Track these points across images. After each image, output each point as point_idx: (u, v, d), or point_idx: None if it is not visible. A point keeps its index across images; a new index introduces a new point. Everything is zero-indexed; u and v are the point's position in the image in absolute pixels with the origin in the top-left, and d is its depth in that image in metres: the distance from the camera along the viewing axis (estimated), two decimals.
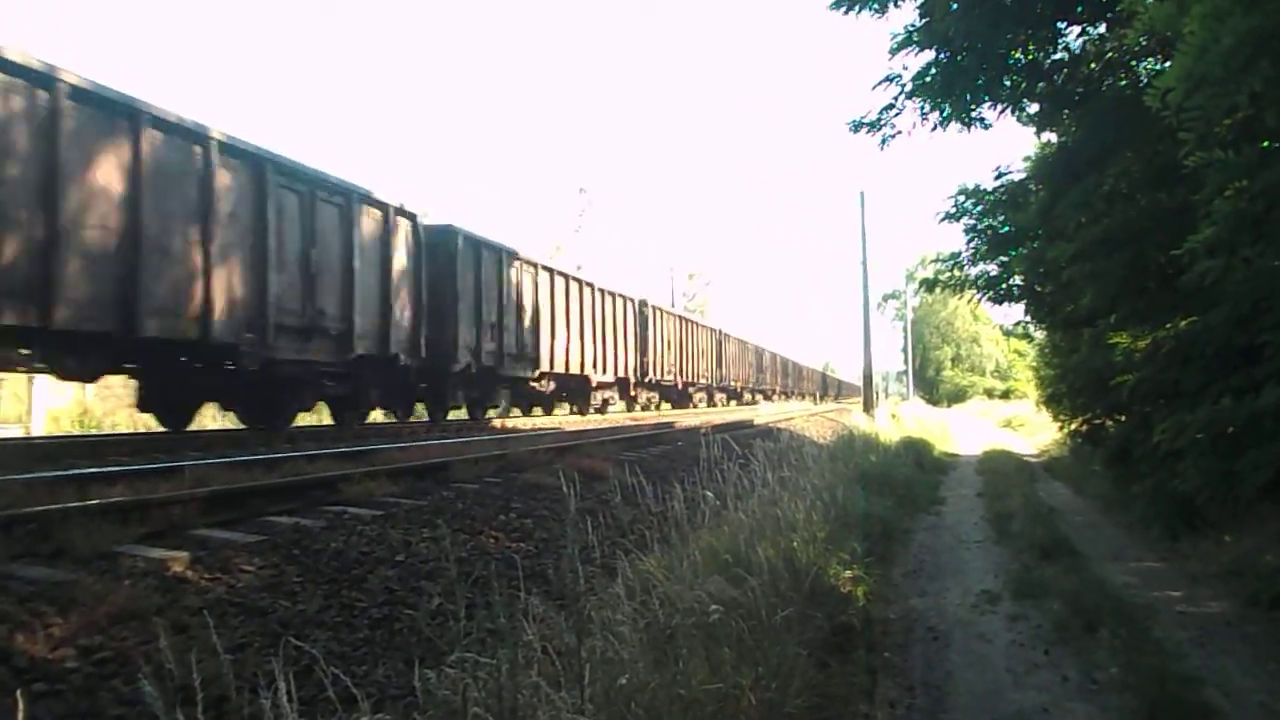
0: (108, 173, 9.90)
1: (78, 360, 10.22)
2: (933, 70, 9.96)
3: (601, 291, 26.43)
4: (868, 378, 38.89)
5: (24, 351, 9.64)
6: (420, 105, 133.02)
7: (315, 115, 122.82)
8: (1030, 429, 34.68)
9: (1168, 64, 6.41)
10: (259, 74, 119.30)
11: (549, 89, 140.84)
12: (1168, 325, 8.75)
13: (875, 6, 10.21)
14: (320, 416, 19.02)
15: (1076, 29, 10.14)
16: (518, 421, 20.56)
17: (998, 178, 13.19)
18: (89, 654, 4.05)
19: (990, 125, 10.77)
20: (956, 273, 15.13)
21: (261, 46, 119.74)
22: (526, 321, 20.71)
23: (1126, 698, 4.93)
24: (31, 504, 5.98)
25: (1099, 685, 5.14)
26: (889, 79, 10.49)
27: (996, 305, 15.97)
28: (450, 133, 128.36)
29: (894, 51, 10.21)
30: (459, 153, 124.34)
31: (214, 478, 7.65)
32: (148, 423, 14.15)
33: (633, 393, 29.98)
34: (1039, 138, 13.81)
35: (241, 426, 14.45)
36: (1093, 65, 10.05)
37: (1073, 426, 16.39)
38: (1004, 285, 14.40)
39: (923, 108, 10.42)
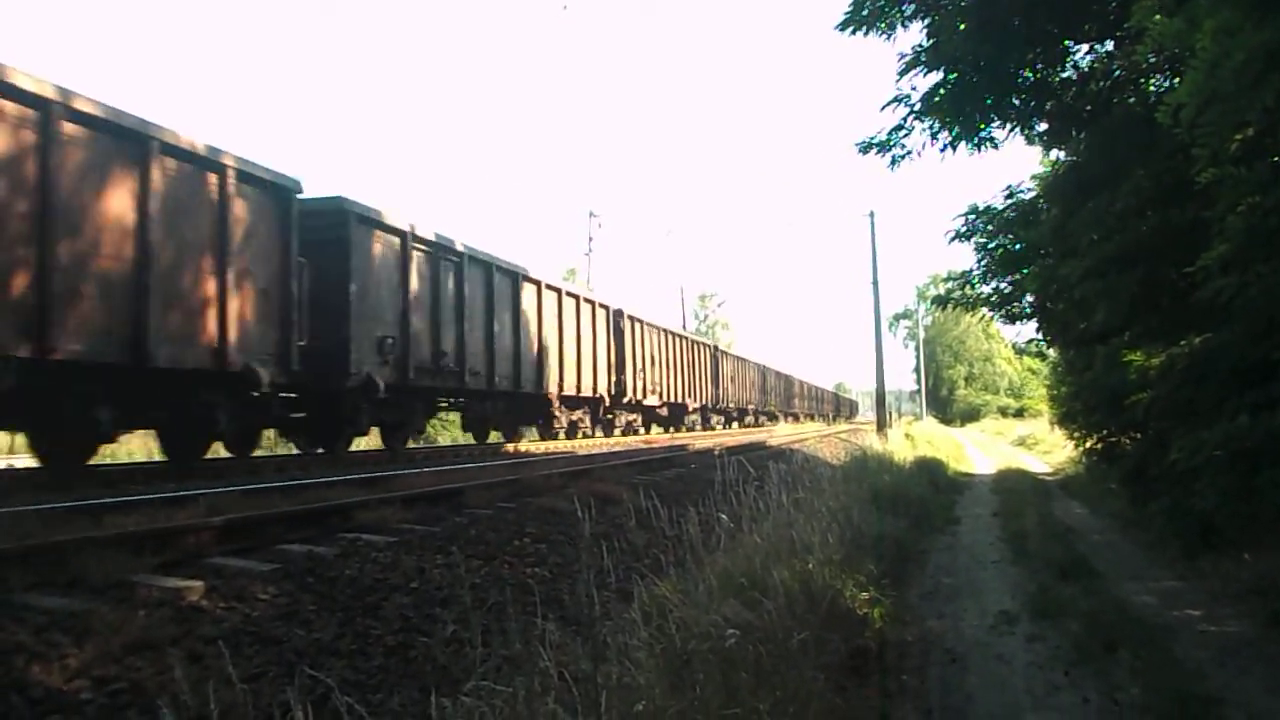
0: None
1: None
2: (941, 91, 9.95)
3: (564, 295, 23.01)
4: (880, 398, 38.85)
5: None
6: (437, 131, 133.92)
7: (341, 144, 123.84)
8: (1045, 447, 34.56)
9: (1176, 81, 6.41)
10: (289, 104, 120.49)
11: (562, 115, 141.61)
12: (1182, 342, 8.70)
13: (882, 28, 10.22)
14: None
15: (1084, 47, 10.14)
16: (531, 446, 20.54)
17: (1008, 196, 13.19)
18: (104, 685, 4.04)
19: (999, 145, 10.75)
20: (968, 290, 15.13)
21: (293, 76, 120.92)
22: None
23: (1148, 719, 4.88)
24: (47, 534, 5.98)
25: (1120, 706, 5.09)
26: (897, 100, 10.48)
27: (1009, 324, 15.97)
28: (465, 159, 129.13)
29: (902, 73, 10.20)
30: (474, 178, 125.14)
31: (228, 506, 7.64)
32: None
33: (608, 415, 26.85)
34: (1047, 156, 13.82)
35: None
36: (1101, 83, 10.04)
37: (1088, 445, 16.32)
38: (1016, 303, 14.38)
39: (932, 128, 10.40)
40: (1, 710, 3.70)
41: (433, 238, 16.78)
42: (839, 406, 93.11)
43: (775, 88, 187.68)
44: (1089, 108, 10.03)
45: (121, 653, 4.28)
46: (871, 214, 37.71)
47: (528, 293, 20.70)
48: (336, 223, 14.17)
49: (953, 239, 13.65)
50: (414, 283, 16.02)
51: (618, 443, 24.18)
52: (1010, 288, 14.31)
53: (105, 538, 5.89)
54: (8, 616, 4.48)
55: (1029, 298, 13.93)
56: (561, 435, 23.20)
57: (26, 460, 13.30)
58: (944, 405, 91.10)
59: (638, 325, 28.79)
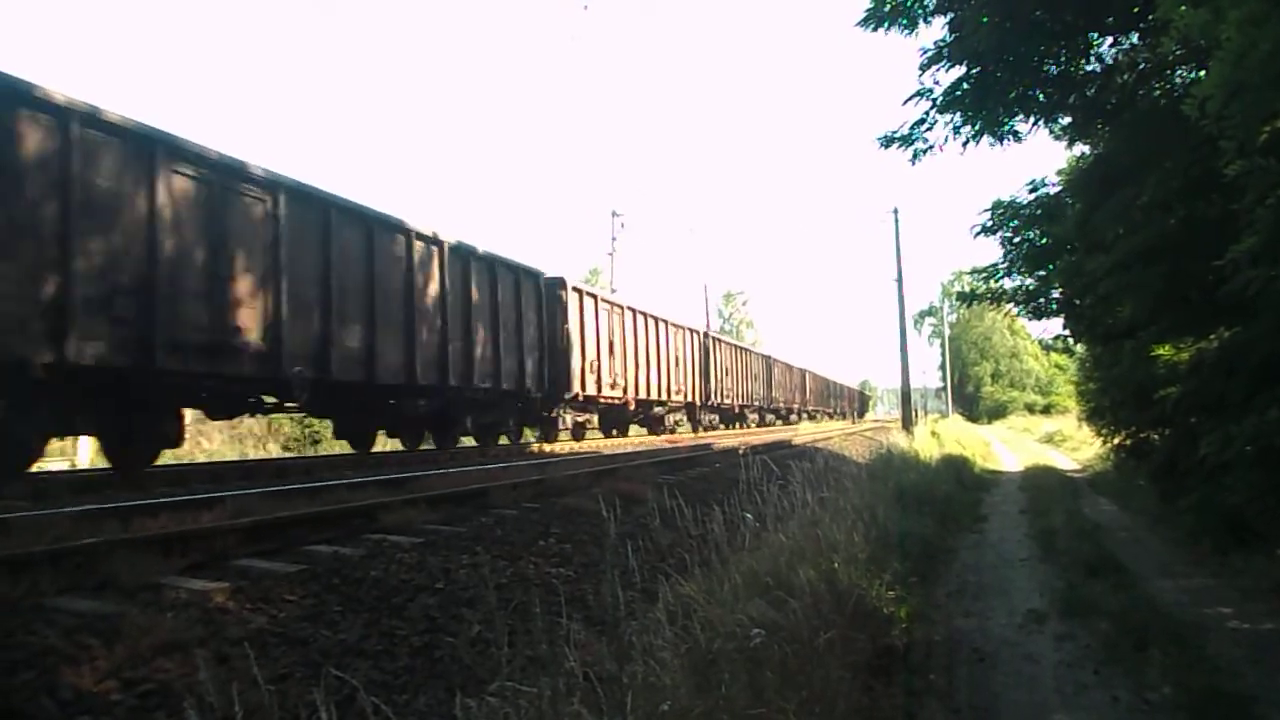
0: None
1: None
2: (964, 85, 9.90)
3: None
4: (905, 395, 38.69)
5: None
6: (463, 132, 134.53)
7: (368, 147, 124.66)
8: (1073, 444, 34.29)
9: (1202, 72, 6.34)
10: (294, 104, 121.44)
11: (585, 114, 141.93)
12: (1210, 336, 8.62)
13: (904, 23, 10.18)
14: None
15: (1109, 40, 10.06)
16: (556, 446, 20.57)
17: (1032, 191, 13.10)
18: (133, 686, 4.07)
19: (1023, 138, 10.68)
20: (993, 284, 15.03)
21: (322, 82, 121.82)
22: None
23: (1180, 718, 4.82)
24: (77, 537, 6.04)
25: (1151, 705, 5.03)
26: (920, 94, 10.43)
27: (1035, 319, 15.84)
28: (491, 160, 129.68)
29: (924, 67, 10.17)
30: (499, 180, 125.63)
31: (255, 508, 7.68)
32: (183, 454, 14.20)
33: (543, 413, 21.72)
34: (1070, 150, 13.72)
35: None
36: (1126, 76, 9.96)
37: (1116, 441, 16.17)
38: (1042, 299, 14.27)
39: (954, 122, 10.36)
40: (32, 712, 3.74)
41: (233, 161, 11.53)
42: (863, 404, 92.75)
43: (797, 85, 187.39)
44: (1114, 101, 9.95)
45: (150, 654, 4.32)
46: (895, 210, 37.72)
47: (396, 246, 15.05)
48: None
49: (978, 233, 13.55)
50: (157, 209, 10.35)
51: (642, 442, 24.27)
52: (1036, 283, 14.21)
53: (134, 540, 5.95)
54: (40, 620, 4.53)
55: (1055, 293, 13.83)
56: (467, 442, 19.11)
57: None
58: (970, 402, 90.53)
59: (588, 301, 23.15)
